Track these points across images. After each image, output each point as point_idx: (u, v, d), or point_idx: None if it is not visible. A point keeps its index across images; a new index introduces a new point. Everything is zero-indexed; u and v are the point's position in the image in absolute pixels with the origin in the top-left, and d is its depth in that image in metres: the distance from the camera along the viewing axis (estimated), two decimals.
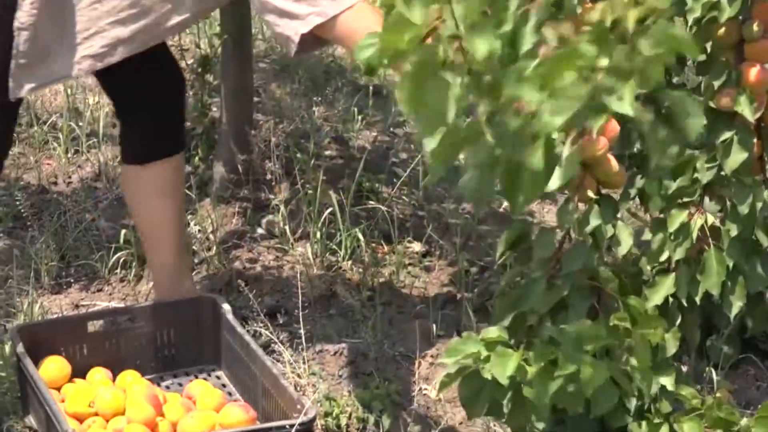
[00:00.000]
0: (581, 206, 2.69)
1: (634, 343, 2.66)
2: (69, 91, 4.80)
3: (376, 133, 4.77)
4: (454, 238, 3.94)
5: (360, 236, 3.82)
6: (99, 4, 2.86)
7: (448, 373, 2.68)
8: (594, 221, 2.66)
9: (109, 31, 2.88)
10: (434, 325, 3.49)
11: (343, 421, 3.07)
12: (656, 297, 2.96)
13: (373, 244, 3.91)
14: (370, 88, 4.93)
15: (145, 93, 3.19)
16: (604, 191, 2.73)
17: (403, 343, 3.42)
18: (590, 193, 2.67)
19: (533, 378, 2.58)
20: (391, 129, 4.80)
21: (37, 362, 3.01)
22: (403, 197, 4.25)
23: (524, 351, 2.62)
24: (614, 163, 2.71)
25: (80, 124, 4.59)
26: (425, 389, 3.23)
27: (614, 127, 2.64)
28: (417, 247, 3.92)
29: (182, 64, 4.39)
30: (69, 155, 4.51)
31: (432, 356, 3.36)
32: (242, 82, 4.18)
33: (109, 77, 3.17)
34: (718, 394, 2.88)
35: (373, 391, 3.15)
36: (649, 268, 3.04)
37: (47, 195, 4.23)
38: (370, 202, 4.08)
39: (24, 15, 2.80)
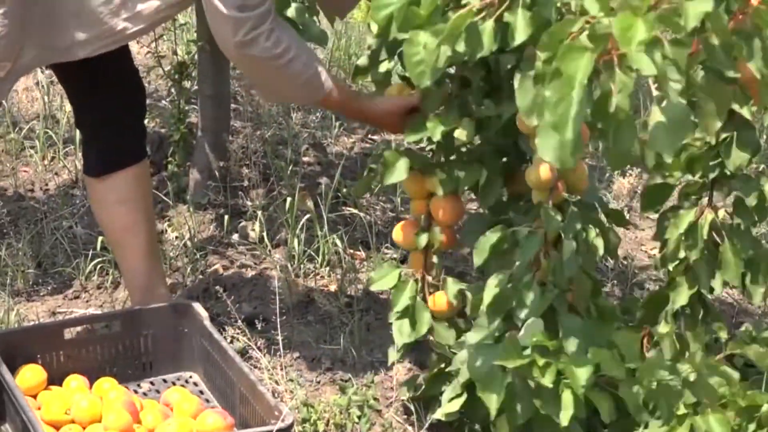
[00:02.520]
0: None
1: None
2: (46, 98, 4.79)
3: (353, 139, 4.77)
4: None
5: (338, 242, 3.82)
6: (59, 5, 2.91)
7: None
8: (578, 225, 2.67)
9: (70, 30, 2.92)
10: None
11: (321, 428, 3.06)
12: (680, 298, 2.99)
13: (351, 251, 3.91)
14: None
15: (103, 104, 3.20)
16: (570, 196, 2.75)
17: (380, 349, 3.42)
18: (565, 195, 2.68)
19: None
20: (369, 135, 4.81)
21: (13, 370, 3.00)
22: (381, 203, 4.25)
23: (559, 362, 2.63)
24: (585, 167, 2.74)
25: (57, 131, 4.57)
26: (403, 397, 3.22)
27: (585, 131, 2.66)
28: (395, 253, 3.92)
29: (159, 70, 4.39)
30: (46, 162, 4.50)
31: (409, 362, 3.35)
32: (219, 89, 4.18)
33: (70, 85, 3.20)
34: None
35: (351, 397, 3.14)
36: (670, 268, 3.05)
37: (24, 202, 4.21)
38: (348, 208, 4.08)
39: None
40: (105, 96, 3.19)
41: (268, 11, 2.79)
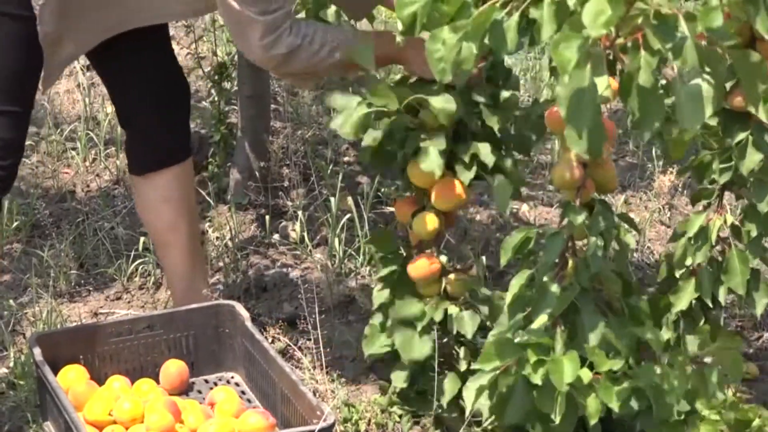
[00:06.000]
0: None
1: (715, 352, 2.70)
2: (87, 99, 4.81)
3: None
4: (473, 243, 3.93)
5: None
6: None
7: (481, 385, 2.66)
8: (603, 223, 2.65)
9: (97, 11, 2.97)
10: None
11: (363, 427, 3.06)
12: (681, 302, 2.95)
13: None
14: None
15: (147, 102, 3.21)
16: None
17: None
18: (592, 194, 2.67)
19: (600, 384, 2.57)
20: None
21: (55, 370, 3.01)
22: None
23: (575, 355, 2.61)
24: (613, 166, 2.73)
25: (98, 132, 4.60)
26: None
27: (614, 130, 2.65)
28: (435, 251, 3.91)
29: (199, 71, 4.40)
30: (87, 163, 4.52)
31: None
32: (259, 89, 4.19)
33: (113, 85, 3.21)
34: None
35: (392, 397, 3.14)
36: (671, 273, 3.02)
37: (65, 203, 4.24)
38: (389, 207, 4.08)
39: (47, 24, 2.85)
40: (149, 96, 3.20)
41: (288, 13, 2.84)
